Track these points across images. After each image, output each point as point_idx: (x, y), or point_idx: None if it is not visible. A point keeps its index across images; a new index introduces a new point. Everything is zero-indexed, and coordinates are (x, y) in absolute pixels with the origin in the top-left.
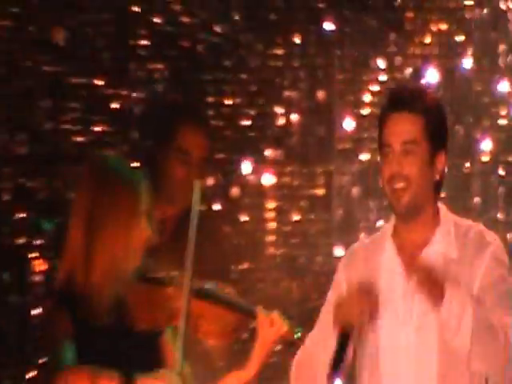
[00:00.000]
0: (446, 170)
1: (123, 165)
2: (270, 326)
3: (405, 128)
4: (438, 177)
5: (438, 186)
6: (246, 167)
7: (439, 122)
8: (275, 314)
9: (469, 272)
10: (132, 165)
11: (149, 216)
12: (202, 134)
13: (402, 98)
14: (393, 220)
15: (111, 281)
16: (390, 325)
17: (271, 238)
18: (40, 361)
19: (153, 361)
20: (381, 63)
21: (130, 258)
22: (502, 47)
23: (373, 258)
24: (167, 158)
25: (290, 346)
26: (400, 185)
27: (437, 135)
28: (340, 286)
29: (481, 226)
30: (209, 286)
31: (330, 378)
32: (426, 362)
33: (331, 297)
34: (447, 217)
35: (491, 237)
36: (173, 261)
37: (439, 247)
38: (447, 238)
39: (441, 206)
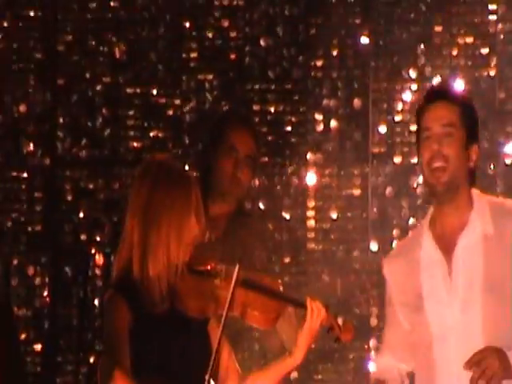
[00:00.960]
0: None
1: (176, 166)
2: (317, 315)
3: (444, 113)
4: (472, 165)
5: (471, 174)
6: (289, 170)
7: (473, 115)
8: (318, 303)
9: (509, 247)
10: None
11: (199, 215)
12: (249, 134)
13: (441, 90)
14: (428, 215)
15: (165, 273)
16: (436, 311)
17: (311, 234)
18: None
19: (203, 347)
20: (412, 74)
21: (181, 252)
22: None
23: (412, 254)
24: (219, 157)
25: (329, 330)
26: (439, 163)
27: (471, 126)
28: (389, 289)
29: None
30: (255, 277)
31: None
32: (473, 341)
33: (389, 299)
34: (481, 199)
35: None
36: (224, 254)
37: (476, 226)
38: (483, 216)
39: (474, 190)
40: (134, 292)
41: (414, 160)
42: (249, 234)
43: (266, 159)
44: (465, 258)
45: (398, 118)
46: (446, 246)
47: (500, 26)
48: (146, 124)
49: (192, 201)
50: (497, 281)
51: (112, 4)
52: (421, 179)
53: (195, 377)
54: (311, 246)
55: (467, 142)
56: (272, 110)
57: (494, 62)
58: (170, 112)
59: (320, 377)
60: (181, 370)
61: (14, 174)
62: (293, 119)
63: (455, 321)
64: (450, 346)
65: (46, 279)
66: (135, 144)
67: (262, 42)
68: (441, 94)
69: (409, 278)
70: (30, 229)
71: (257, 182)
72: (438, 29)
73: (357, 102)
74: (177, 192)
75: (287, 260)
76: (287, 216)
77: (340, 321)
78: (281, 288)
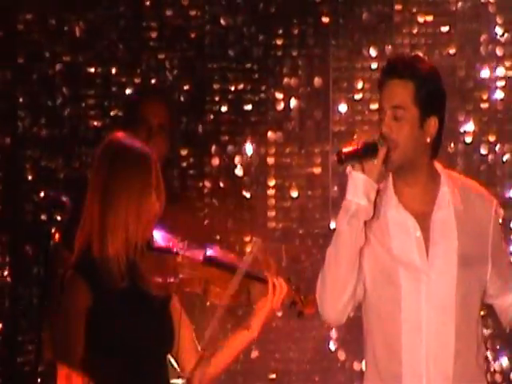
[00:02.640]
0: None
1: (135, 144)
2: (280, 291)
3: (395, 93)
4: (429, 139)
5: (433, 147)
6: (249, 148)
7: (431, 89)
8: (280, 279)
9: (479, 225)
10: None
11: (158, 192)
12: (159, 104)
13: (395, 65)
14: (390, 180)
15: (124, 251)
16: (408, 278)
17: (272, 213)
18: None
19: (165, 324)
20: (372, 52)
21: (140, 230)
22: (483, 37)
23: (378, 211)
24: (132, 129)
25: (291, 305)
26: (389, 146)
27: (427, 101)
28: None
29: (475, 182)
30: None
31: (339, 156)
32: (446, 311)
33: None
34: (446, 174)
35: (489, 194)
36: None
37: (447, 200)
38: (453, 192)
39: (437, 164)
40: (93, 271)
41: None
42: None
43: (227, 138)
44: (441, 229)
45: (358, 97)
46: (417, 215)
47: (460, 4)
48: (106, 103)
49: (151, 179)
50: (469, 257)
51: None
52: None
53: (156, 354)
54: (272, 224)
55: (422, 119)
56: (232, 88)
57: (454, 40)
58: (130, 91)
59: (278, 356)
60: (142, 348)
61: None
62: (253, 98)
63: (430, 292)
64: (422, 313)
65: (7, 258)
66: (95, 123)
67: (222, 21)
68: (395, 70)
69: (379, 237)
70: None
71: (217, 161)
72: (398, 7)
73: (317, 81)
74: (135, 170)
75: (247, 238)
76: (247, 195)
77: (302, 296)
78: (246, 264)
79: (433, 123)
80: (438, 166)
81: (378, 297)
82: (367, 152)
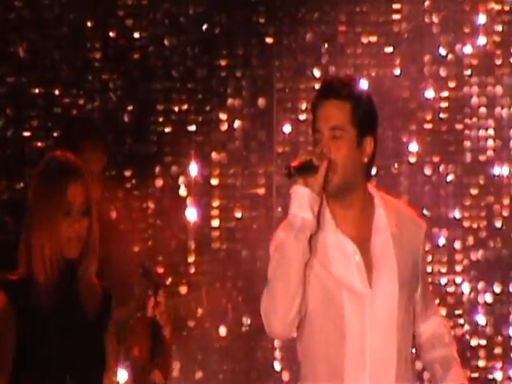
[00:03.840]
0: (375, 170)
1: (63, 161)
2: None
3: (332, 114)
4: (366, 160)
5: (367, 169)
6: (193, 169)
7: (366, 109)
8: None
9: (412, 249)
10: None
11: (77, 209)
12: (102, 147)
13: (331, 86)
14: (324, 203)
15: (45, 270)
16: (351, 302)
17: (216, 233)
18: None
19: (95, 347)
20: (316, 73)
21: (58, 248)
22: (427, 57)
23: (316, 236)
24: None
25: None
26: (329, 165)
27: (364, 121)
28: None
29: (404, 204)
30: None
31: (287, 171)
32: (388, 335)
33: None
34: (379, 196)
35: (418, 215)
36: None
37: (383, 223)
38: (388, 215)
39: (370, 187)
40: (20, 291)
41: None
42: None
43: (170, 159)
44: (381, 253)
45: (302, 117)
46: (356, 239)
47: (404, 24)
48: (49, 124)
49: (67, 196)
50: (407, 279)
51: (16, 4)
52: None
53: (82, 376)
54: (216, 245)
55: (359, 139)
56: (176, 109)
57: (397, 61)
58: (74, 112)
59: (221, 376)
60: (65, 368)
61: None
62: (197, 119)
63: (374, 317)
64: (366, 340)
65: None
66: (39, 144)
67: (165, 42)
68: (332, 90)
69: (321, 262)
70: None
71: (161, 183)
72: (342, 28)
73: (261, 102)
74: (50, 187)
75: (191, 260)
76: (191, 216)
77: None
78: None
79: (369, 143)
80: (370, 187)
81: (321, 318)
82: (311, 166)
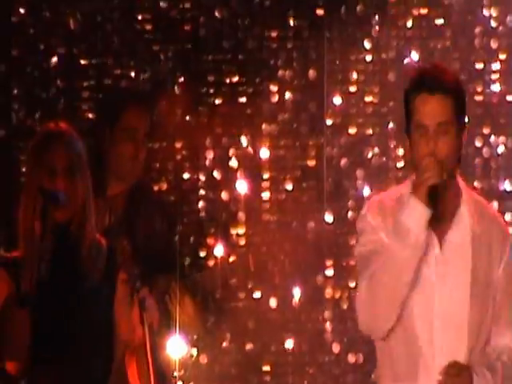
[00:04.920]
0: None
1: (47, 129)
2: None
3: (439, 110)
4: (462, 149)
5: (459, 159)
6: (244, 141)
7: (464, 100)
8: None
9: (488, 253)
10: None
11: (66, 169)
12: (145, 113)
13: (435, 79)
14: (409, 183)
15: (30, 237)
16: (424, 289)
17: (266, 205)
18: None
19: (103, 318)
20: (367, 45)
21: (37, 213)
22: (477, 30)
23: (400, 218)
24: (116, 135)
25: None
26: (440, 165)
27: (463, 111)
28: (374, 229)
29: (491, 206)
30: None
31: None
32: (458, 332)
33: (366, 243)
34: (467, 191)
35: (504, 221)
36: (128, 233)
37: (465, 221)
38: (471, 214)
39: (459, 178)
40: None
41: (369, 131)
42: (151, 209)
43: (221, 130)
44: (456, 248)
45: (352, 89)
46: (436, 230)
47: None
48: (100, 95)
49: (48, 159)
50: (482, 280)
51: None
52: (376, 150)
53: (84, 342)
54: (266, 217)
55: (460, 132)
56: (227, 81)
57: (448, 33)
58: (124, 83)
59: (272, 348)
60: (66, 334)
61: None
62: (248, 90)
63: (442, 308)
64: (434, 325)
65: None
66: (90, 115)
67: (216, 13)
68: (436, 84)
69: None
70: None
71: (212, 154)
72: (393, 0)
73: (312, 73)
74: (35, 154)
75: (241, 231)
76: (242, 188)
77: None
78: None
79: (465, 134)
80: (460, 182)
81: None
82: (436, 194)
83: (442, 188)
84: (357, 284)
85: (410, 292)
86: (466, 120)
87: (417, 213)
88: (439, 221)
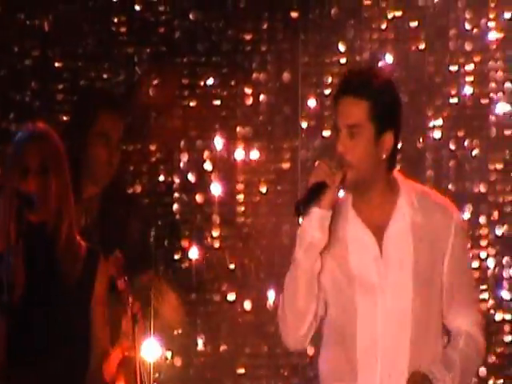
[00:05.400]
0: (400, 145)
1: (23, 130)
2: None
3: (349, 112)
4: (384, 155)
5: (389, 162)
6: (218, 143)
7: (387, 104)
8: None
9: (436, 239)
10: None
11: (39, 168)
12: (119, 118)
13: (349, 83)
14: (348, 194)
15: (10, 234)
16: (364, 294)
17: (241, 208)
18: None
19: (79, 321)
20: (341, 47)
21: (12, 217)
22: (452, 32)
23: (336, 226)
24: (90, 141)
25: None
26: (344, 166)
27: (384, 117)
28: None
29: (437, 194)
30: None
31: (296, 209)
32: (401, 328)
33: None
34: (406, 184)
35: (452, 206)
36: (103, 236)
37: (405, 212)
38: (411, 204)
39: (397, 175)
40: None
41: None
42: (126, 212)
43: (195, 133)
44: (396, 243)
45: (327, 92)
46: (375, 229)
47: None
48: (75, 98)
49: (21, 157)
50: (425, 270)
51: None
52: None
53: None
54: (241, 219)
55: (377, 136)
56: (201, 83)
57: (423, 36)
58: (98, 85)
59: (247, 350)
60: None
61: None
62: (222, 93)
63: (385, 307)
64: (378, 332)
65: None
66: (64, 118)
67: (190, 16)
68: (349, 87)
69: (337, 254)
70: None
71: (186, 157)
72: (367, 2)
73: (286, 76)
74: (10, 153)
75: (216, 234)
76: (216, 190)
77: None
78: None
79: (388, 138)
80: (398, 176)
81: (335, 313)
82: (318, 192)
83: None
84: None
85: (311, 302)
86: (392, 123)
87: (310, 213)
88: (376, 220)
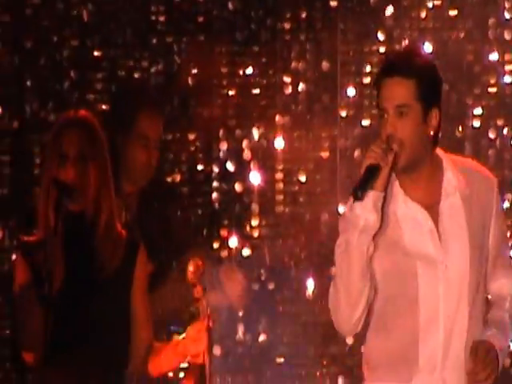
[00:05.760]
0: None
1: (63, 117)
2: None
3: (397, 93)
4: (432, 132)
5: (434, 139)
6: (257, 132)
7: (431, 82)
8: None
9: (483, 208)
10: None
11: (77, 156)
12: (159, 119)
13: (394, 63)
14: (393, 175)
15: (49, 222)
16: (425, 270)
17: (280, 197)
18: None
19: (118, 312)
20: (380, 36)
21: (51, 200)
22: (491, 21)
23: (387, 208)
24: (129, 142)
25: None
26: (395, 146)
27: (429, 94)
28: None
29: (476, 163)
30: None
31: (354, 195)
32: (461, 297)
33: (342, 241)
34: (448, 159)
35: (490, 174)
36: (144, 231)
37: (453, 186)
38: (457, 177)
39: (438, 151)
40: (37, 249)
41: None
42: (165, 205)
43: (234, 122)
44: (450, 216)
45: (366, 81)
46: (426, 206)
47: None
48: (113, 87)
49: (60, 145)
50: (478, 239)
51: None
52: None
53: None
54: (280, 208)
55: (425, 113)
56: (240, 72)
57: (462, 24)
58: (137, 75)
59: (286, 339)
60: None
61: None
62: (261, 82)
63: (447, 278)
64: (439, 302)
65: (15, 242)
66: (104, 107)
67: (229, 5)
68: (395, 68)
69: (390, 234)
70: None
71: (225, 146)
72: None
73: (325, 65)
74: (49, 141)
75: (255, 223)
76: (255, 179)
77: None
78: None
79: (434, 115)
80: (438, 151)
81: (394, 290)
82: (373, 174)
83: (411, 168)
84: None
85: (364, 286)
86: (438, 103)
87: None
88: (426, 196)
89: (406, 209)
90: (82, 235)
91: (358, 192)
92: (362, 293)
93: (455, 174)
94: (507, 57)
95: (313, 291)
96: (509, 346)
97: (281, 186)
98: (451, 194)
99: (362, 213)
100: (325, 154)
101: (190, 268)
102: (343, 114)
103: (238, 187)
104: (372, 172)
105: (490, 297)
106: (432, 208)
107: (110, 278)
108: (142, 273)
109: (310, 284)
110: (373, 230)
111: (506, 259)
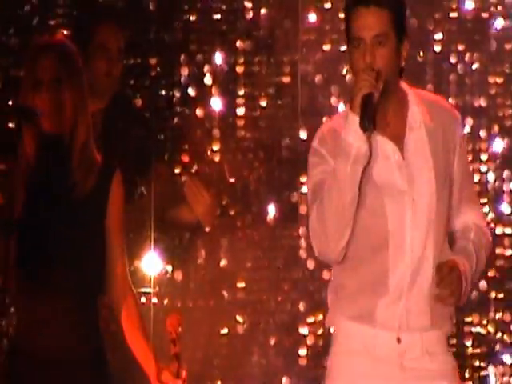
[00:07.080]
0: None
1: (38, 42)
2: None
3: (375, 22)
4: (403, 63)
5: (401, 70)
6: (218, 57)
7: (403, 13)
8: None
9: (446, 140)
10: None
11: (53, 81)
12: (118, 29)
13: None
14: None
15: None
16: (393, 203)
17: (241, 122)
18: None
19: (86, 232)
20: None
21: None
22: None
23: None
24: (90, 57)
25: None
26: (373, 75)
27: (401, 26)
28: (324, 159)
29: (438, 97)
30: None
31: (362, 126)
32: (428, 230)
33: (316, 174)
34: (413, 92)
35: (452, 107)
36: (105, 148)
37: (417, 119)
38: (421, 110)
39: (403, 84)
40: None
41: (344, 47)
42: (129, 125)
43: (195, 47)
44: (415, 149)
45: (327, 6)
46: (393, 139)
47: None
48: (75, 12)
49: (35, 71)
50: (443, 171)
51: None
52: None
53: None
54: (241, 133)
55: (398, 44)
56: None
57: None
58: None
59: (247, 264)
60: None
61: None
62: (222, 7)
63: (415, 213)
64: (407, 232)
65: None
66: (65, 32)
67: None
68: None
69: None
70: None
71: (186, 71)
72: None
73: None
74: (25, 67)
75: (216, 148)
76: (216, 104)
77: None
78: None
79: (405, 47)
80: (403, 84)
81: (363, 225)
82: (371, 103)
83: (382, 98)
84: (308, 217)
85: (354, 208)
86: (405, 33)
87: (354, 126)
88: (392, 129)
89: (373, 142)
90: (57, 158)
91: (366, 122)
92: (351, 221)
93: (420, 108)
94: None
95: (274, 216)
96: (474, 271)
97: (242, 110)
98: (416, 127)
99: (354, 141)
100: (286, 79)
101: (168, 323)
102: (305, 38)
103: (199, 112)
104: (368, 100)
105: (456, 232)
106: (398, 141)
107: (83, 200)
108: (118, 198)
109: (271, 209)
110: (365, 160)
111: (471, 192)
